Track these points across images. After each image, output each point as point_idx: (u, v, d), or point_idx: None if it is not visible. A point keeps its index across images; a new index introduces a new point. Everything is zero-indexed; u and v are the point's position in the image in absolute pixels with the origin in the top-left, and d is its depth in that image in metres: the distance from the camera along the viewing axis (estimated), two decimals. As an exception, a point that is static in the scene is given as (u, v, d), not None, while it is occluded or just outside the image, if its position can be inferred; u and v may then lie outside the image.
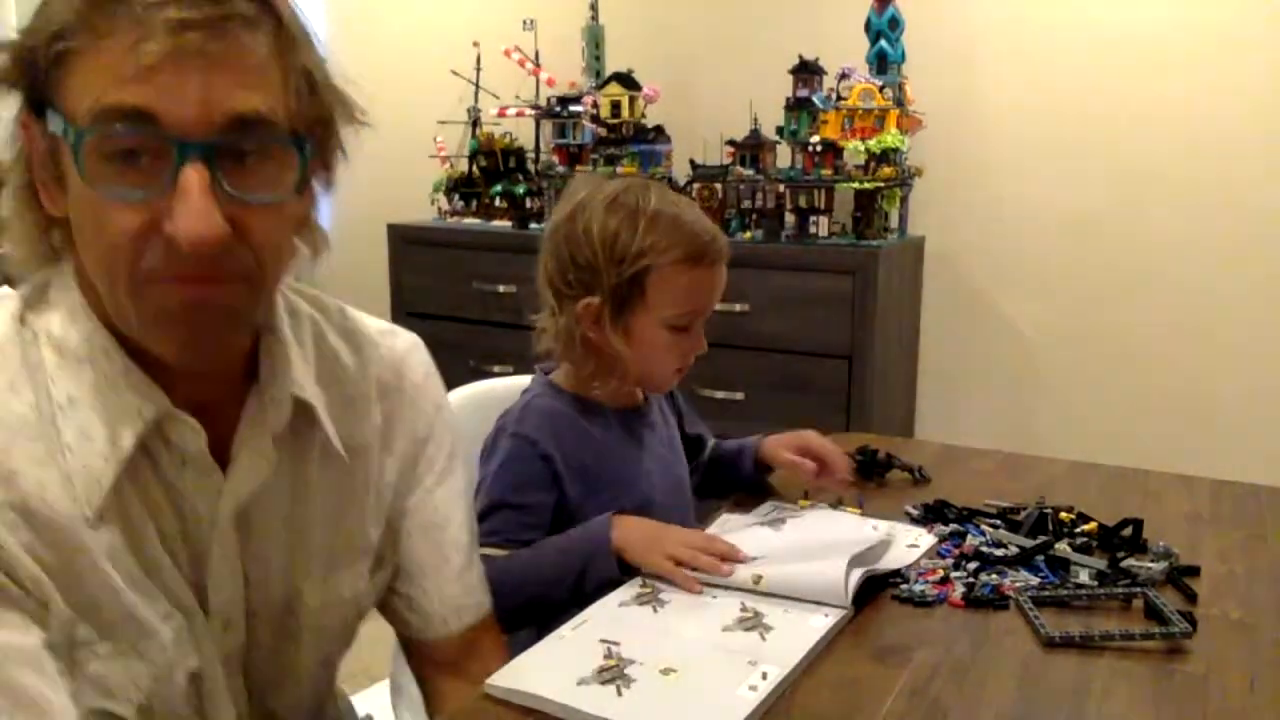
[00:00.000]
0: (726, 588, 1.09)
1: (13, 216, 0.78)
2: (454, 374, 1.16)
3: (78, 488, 0.75)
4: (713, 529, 1.26)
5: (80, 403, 0.77)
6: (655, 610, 1.05)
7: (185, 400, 0.80)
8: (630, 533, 1.16)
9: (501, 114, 3.08)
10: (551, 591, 1.16)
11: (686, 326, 1.27)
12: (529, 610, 1.16)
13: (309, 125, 0.77)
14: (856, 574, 1.08)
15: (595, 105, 2.94)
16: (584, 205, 1.27)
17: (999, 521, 1.29)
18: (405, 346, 1.02)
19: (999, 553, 1.19)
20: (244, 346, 0.85)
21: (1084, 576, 1.13)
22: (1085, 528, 1.25)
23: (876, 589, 1.10)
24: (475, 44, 3.10)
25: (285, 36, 0.74)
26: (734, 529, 1.25)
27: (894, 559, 1.16)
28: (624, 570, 1.14)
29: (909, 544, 1.21)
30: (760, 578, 1.09)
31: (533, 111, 3.07)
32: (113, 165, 0.70)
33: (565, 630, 0.99)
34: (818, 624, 1.01)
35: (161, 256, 0.72)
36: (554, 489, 1.25)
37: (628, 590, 1.09)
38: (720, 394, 2.60)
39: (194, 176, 0.70)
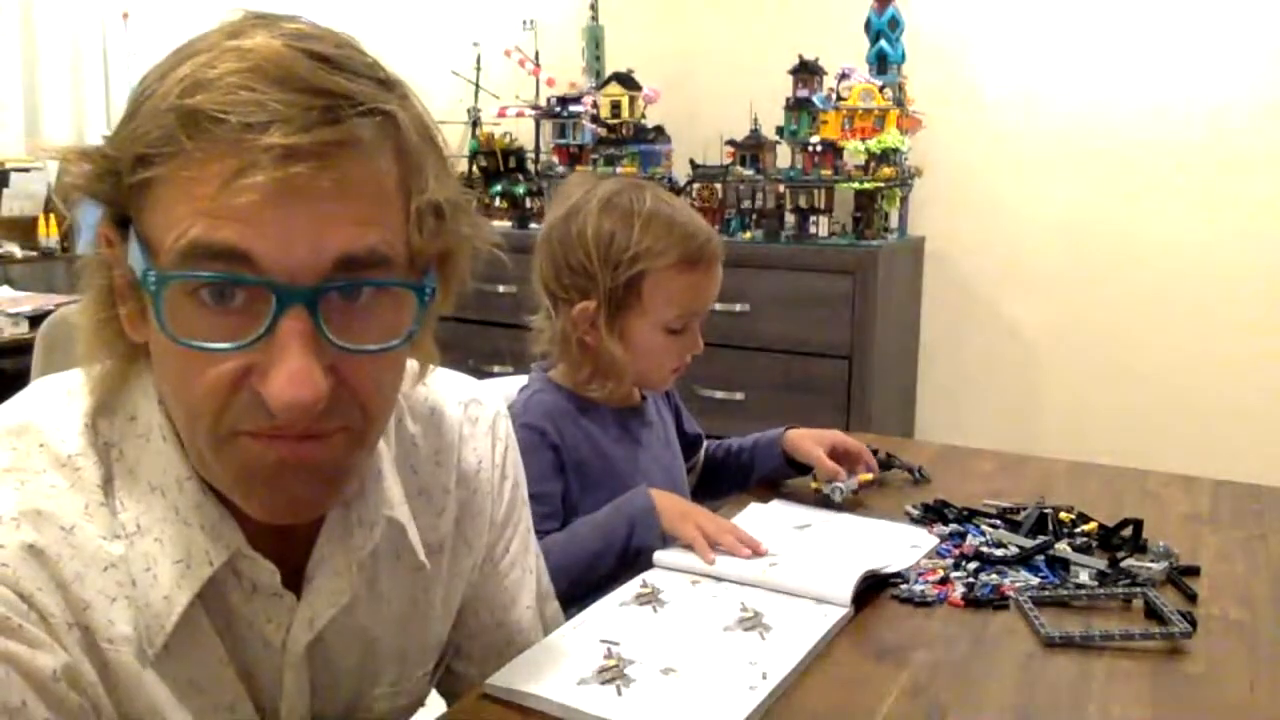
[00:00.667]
0: (730, 580, 1.10)
1: (89, 327, 0.68)
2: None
3: (141, 624, 0.68)
4: (739, 518, 1.27)
5: (147, 533, 0.69)
6: (655, 610, 1.05)
7: (261, 526, 0.70)
8: (663, 499, 1.18)
9: (501, 114, 3.08)
10: (599, 563, 1.16)
11: (683, 328, 1.27)
12: (575, 589, 1.13)
13: (431, 260, 0.67)
14: (858, 574, 1.08)
15: (595, 105, 2.94)
16: (579, 207, 1.26)
17: (999, 521, 1.29)
18: (487, 422, 0.91)
19: (999, 553, 1.19)
20: (343, 498, 0.74)
21: (1084, 576, 1.13)
22: (1085, 528, 1.25)
23: (876, 589, 1.10)
24: (475, 44, 3.10)
25: (410, 162, 0.64)
26: (760, 522, 1.26)
27: (895, 560, 1.16)
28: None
29: (911, 545, 1.21)
30: (774, 563, 1.11)
31: (533, 112, 3.07)
32: (199, 309, 0.60)
33: (565, 630, 0.99)
34: (817, 624, 1.01)
35: (251, 411, 0.62)
36: (561, 478, 1.25)
37: (627, 590, 1.09)
38: (720, 394, 2.60)
39: (294, 329, 0.60)
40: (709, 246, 1.26)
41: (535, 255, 1.30)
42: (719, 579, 1.11)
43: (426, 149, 0.66)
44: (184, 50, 0.63)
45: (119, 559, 0.68)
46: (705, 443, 1.53)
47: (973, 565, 1.16)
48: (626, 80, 2.92)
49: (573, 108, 2.97)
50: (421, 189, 0.65)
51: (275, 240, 0.59)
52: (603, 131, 2.93)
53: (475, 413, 0.91)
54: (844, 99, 2.63)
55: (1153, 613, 1.04)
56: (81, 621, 0.67)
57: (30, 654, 0.62)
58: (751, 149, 2.74)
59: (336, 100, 0.60)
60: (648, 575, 1.13)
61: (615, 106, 2.91)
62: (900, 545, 1.20)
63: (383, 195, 0.63)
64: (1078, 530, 1.25)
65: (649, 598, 1.07)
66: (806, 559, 1.12)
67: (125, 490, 0.70)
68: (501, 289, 2.81)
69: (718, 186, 2.76)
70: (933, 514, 1.32)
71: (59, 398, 0.72)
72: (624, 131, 2.93)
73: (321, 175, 0.59)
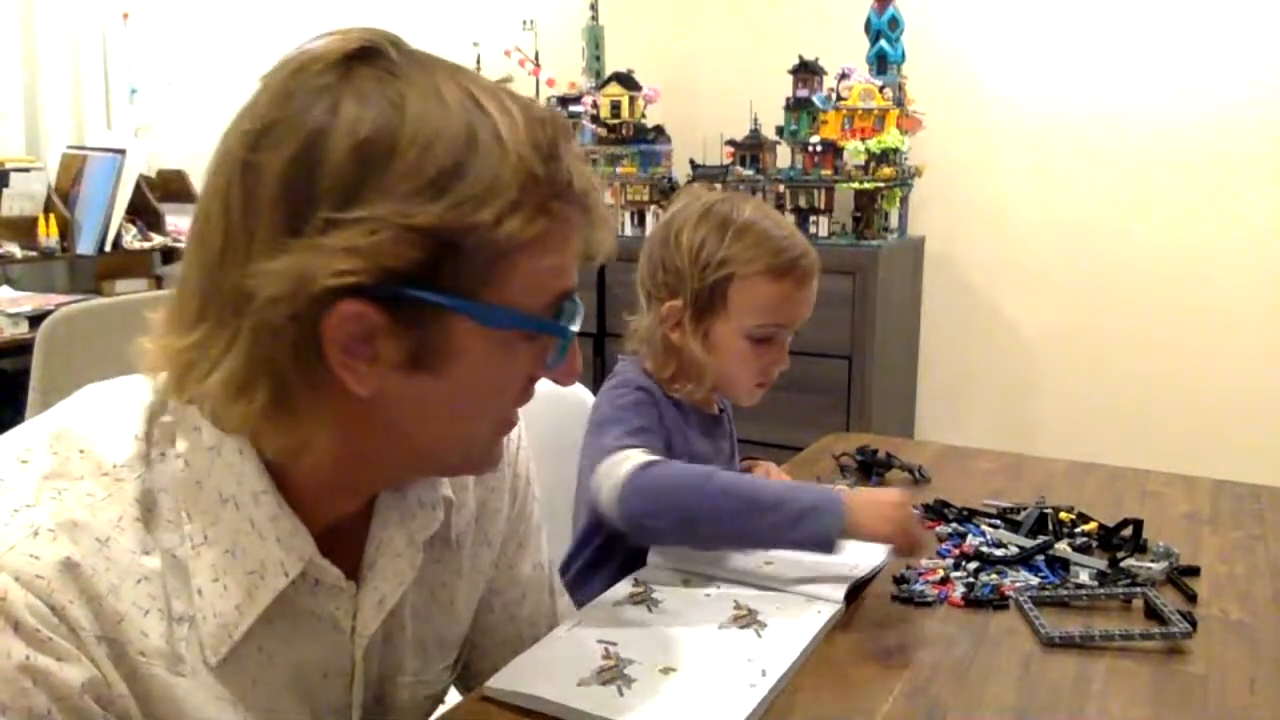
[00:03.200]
0: (728, 580, 1.10)
1: (236, 377, 0.66)
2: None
3: (202, 633, 0.70)
4: None
5: (216, 544, 0.70)
6: (650, 610, 1.05)
7: (326, 520, 0.75)
8: (854, 497, 1.10)
9: (501, 114, 3.08)
10: (760, 514, 1.09)
11: (768, 339, 1.28)
12: (712, 523, 1.10)
13: None
14: (851, 572, 1.10)
15: (595, 105, 2.94)
16: (681, 212, 1.31)
17: (999, 521, 1.29)
18: None
19: (999, 553, 1.19)
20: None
21: (1084, 576, 1.13)
22: (1085, 528, 1.25)
23: (868, 585, 1.11)
24: (475, 44, 3.10)
25: None
26: None
27: (878, 553, 1.16)
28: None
29: None
30: (769, 562, 1.12)
31: (533, 111, 3.07)
32: (532, 339, 0.73)
33: (561, 631, 0.99)
34: (812, 620, 1.02)
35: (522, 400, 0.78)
36: (662, 432, 1.26)
37: (621, 589, 1.09)
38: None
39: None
40: (802, 261, 1.28)
41: (642, 256, 1.35)
42: (711, 577, 1.11)
43: None
44: (461, 112, 0.65)
45: (152, 572, 0.69)
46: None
47: (973, 565, 1.16)
48: (626, 80, 2.93)
49: (573, 108, 2.97)
50: None
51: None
52: (603, 131, 2.93)
53: None
54: (844, 99, 2.63)
55: (1153, 613, 1.04)
56: (112, 635, 0.67)
57: (58, 667, 0.63)
58: (751, 149, 2.75)
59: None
60: (640, 574, 1.13)
61: (615, 106, 2.91)
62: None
63: None
64: (1078, 530, 1.25)
65: (642, 597, 1.07)
66: (799, 556, 1.12)
67: (191, 502, 0.70)
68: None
69: (718, 187, 2.76)
70: (933, 514, 1.32)
71: (109, 406, 0.73)
72: (624, 131, 2.93)
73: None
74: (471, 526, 0.90)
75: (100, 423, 0.71)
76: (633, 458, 1.14)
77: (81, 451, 0.69)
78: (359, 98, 0.63)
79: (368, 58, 0.65)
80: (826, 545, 1.07)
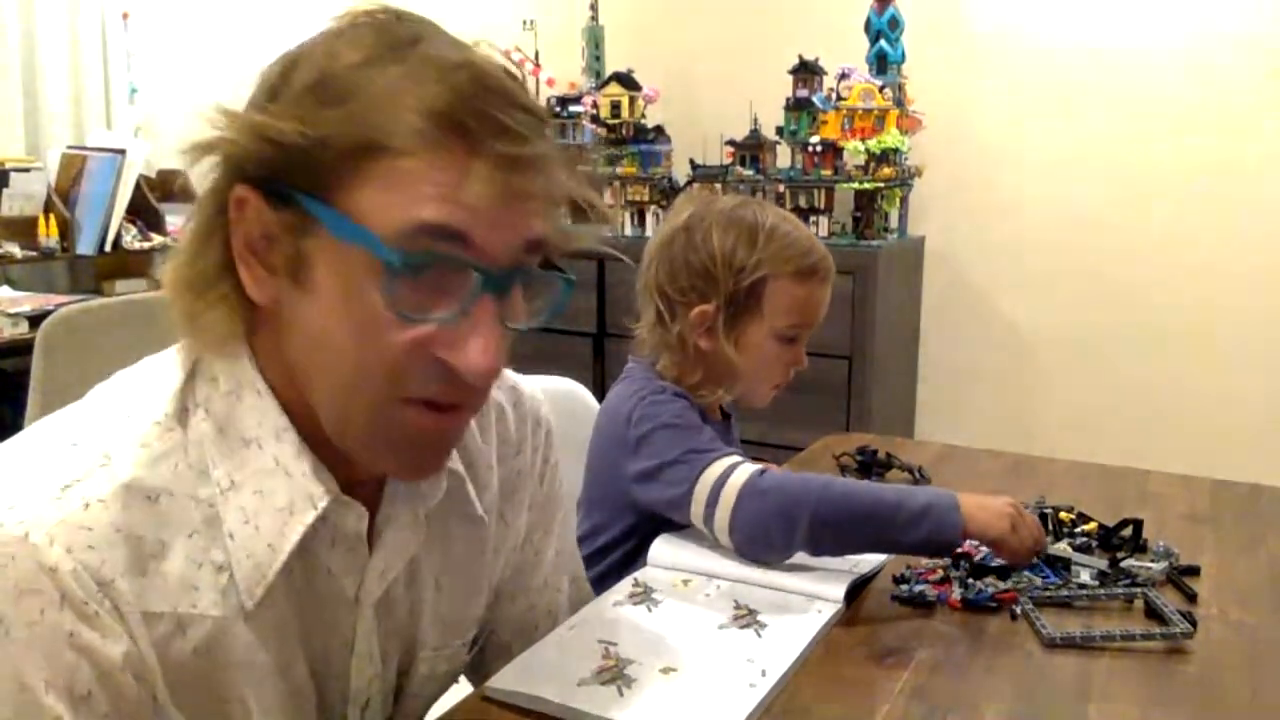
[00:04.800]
0: (728, 580, 1.10)
1: (194, 282, 0.72)
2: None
3: (238, 577, 0.71)
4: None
5: (243, 487, 0.72)
6: (650, 610, 1.05)
7: (344, 478, 0.75)
8: (967, 499, 1.11)
9: (501, 114, 3.08)
10: (887, 521, 1.09)
11: (793, 339, 1.31)
12: (836, 528, 1.10)
13: (557, 258, 0.76)
14: (851, 571, 1.10)
15: (595, 105, 2.94)
16: (701, 217, 1.31)
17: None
18: (526, 404, 0.96)
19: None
20: None
21: (1085, 577, 1.13)
22: (1085, 528, 1.25)
23: (868, 585, 1.11)
24: (475, 44, 3.10)
25: (570, 175, 0.74)
26: None
27: (874, 555, 1.16)
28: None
29: None
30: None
31: (533, 111, 3.07)
32: (399, 280, 0.66)
33: (562, 630, 0.99)
34: (812, 620, 1.02)
35: (424, 379, 0.69)
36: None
37: (621, 589, 1.09)
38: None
39: (491, 308, 0.69)
40: (825, 262, 1.31)
41: (646, 263, 1.34)
42: (711, 577, 1.11)
43: (573, 166, 0.75)
44: (375, 44, 0.68)
45: (201, 525, 0.71)
46: None
47: (973, 563, 1.16)
48: (626, 80, 2.93)
49: (573, 108, 2.97)
50: (571, 200, 0.75)
51: (489, 230, 0.67)
52: (603, 131, 2.93)
53: (515, 397, 0.95)
54: (844, 99, 2.64)
55: (1153, 613, 1.04)
56: (157, 608, 0.68)
57: (102, 643, 0.65)
58: (751, 149, 2.75)
59: (540, 118, 0.70)
60: (639, 574, 1.13)
61: (615, 106, 2.92)
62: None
63: (557, 202, 0.73)
64: (1078, 530, 1.25)
65: (642, 597, 1.08)
66: (798, 556, 1.12)
67: (215, 449, 0.72)
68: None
69: (718, 186, 2.76)
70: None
71: (145, 372, 0.75)
72: (624, 131, 2.94)
73: (533, 181, 0.68)
74: (494, 506, 0.91)
75: (141, 387, 0.74)
76: (742, 467, 1.14)
77: (128, 416, 0.72)
78: (335, 36, 0.70)
79: (373, 17, 0.71)
80: (950, 545, 1.10)
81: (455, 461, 0.84)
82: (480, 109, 0.67)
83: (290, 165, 0.67)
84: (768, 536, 1.11)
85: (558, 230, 0.74)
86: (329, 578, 0.77)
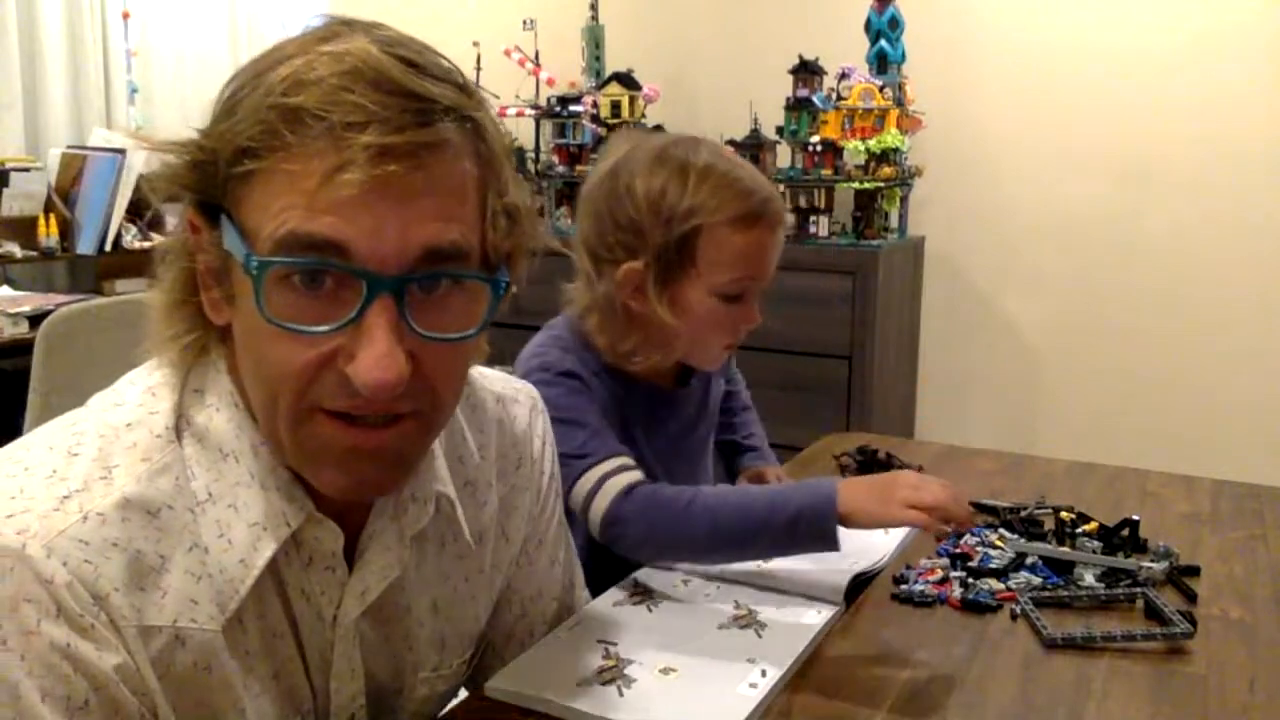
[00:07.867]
0: (728, 580, 1.10)
1: (167, 307, 0.72)
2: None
3: (213, 590, 0.70)
4: None
5: (220, 500, 0.71)
6: (650, 610, 1.05)
7: (323, 498, 0.73)
8: (854, 489, 1.02)
9: (501, 114, 3.08)
10: (754, 534, 1.04)
11: (739, 295, 1.14)
12: (705, 551, 1.08)
13: (502, 259, 0.71)
14: (850, 572, 1.09)
15: (595, 105, 2.94)
16: (626, 160, 1.15)
17: (997, 521, 1.29)
18: (525, 417, 0.94)
19: (996, 553, 1.19)
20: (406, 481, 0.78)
21: (1089, 579, 1.13)
22: (1085, 528, 1.25)
23: (867, 586, 1.11)
24: (475, 44, 3.10)
25: (489, 165, 0.69)
26: None
27: (877, 551, 1.15)
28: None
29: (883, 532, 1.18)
30: (770, 563, 1.11)
31: (533, 111, 3.07)
32: (292, 294, 0.64)
33: (561, 631, 0.99)
34: (811, 620, 1.02)
35: (331, 391, 0.66)
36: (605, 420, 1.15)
37: (620, 590, 1.09)
38: (720, 394, 2.60)
39: (382, 316, 0.64)
40: (771, 205, 1.13)
41: (577, 215, 1.20)
42: (711, 577, 1.11)
43: (503, 154, 0.71)
44: (276, 53, 0.66)
45: (192, 529, 0.70)
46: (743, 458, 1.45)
47: (972, 565, 1.16)
48: (626, 80, 2.93)
49: (573, 107, 2.97)
50: (499, 191, 0.70)
51: (368, 233, 0.63)
52: (603, 131, 2.93)
53: (514, 410, 0.94)
54: (844, 99, 2.64)
55: (1153, 613, 1.04)
56: (153, 623, 0.68)
57: (97, 655, 0.65)
58: (751, 149, 2.75)
59: (426, 104, 0.64)
60: (639, 574, 1.13)
61: (615, 106, 2.91)
62: (886, 539, 1.19)
63: (464, 194, 0.67)
64: (1078, 530, 1.25)
65: (642, 597, 1.07)
66: (797, 557, 1.12)
67: (195, 460, 0.71)
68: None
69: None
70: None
71: (145, 381, 0.75)
72: (624, 131, 2.93)
73: (412, 174, 0.63)
74: (494, 523, 0.90)
75: (135, 401, 0.73)
76: (608, 487, 1.07)
77: (129, 425, 0.71)
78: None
79: (323, 28, 0.69)
80: (828, 543, 1.02)
81: (446, 484, 0.82)
82: (339, 99, 0.62)
83: (205, 182, 0.66)
84: (646, 557, 1.11)
85: (502, 229, 0.69)
86: (304, 596, 0.75)
